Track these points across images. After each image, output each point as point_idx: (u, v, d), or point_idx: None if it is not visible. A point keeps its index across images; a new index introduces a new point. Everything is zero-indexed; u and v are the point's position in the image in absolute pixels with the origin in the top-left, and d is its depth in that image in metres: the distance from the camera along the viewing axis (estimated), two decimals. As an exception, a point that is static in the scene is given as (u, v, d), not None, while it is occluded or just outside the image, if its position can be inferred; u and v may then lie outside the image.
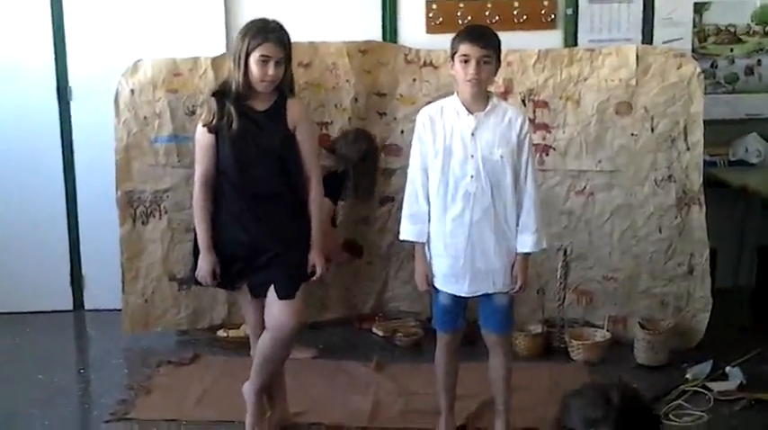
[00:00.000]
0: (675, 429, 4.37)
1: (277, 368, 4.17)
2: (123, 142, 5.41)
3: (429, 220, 3.93)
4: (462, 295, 3.96)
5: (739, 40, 6.01)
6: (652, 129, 5.29)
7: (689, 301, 5.30)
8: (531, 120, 5.24)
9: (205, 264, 4.01)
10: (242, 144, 3.91)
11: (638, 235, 5.36)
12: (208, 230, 4.00)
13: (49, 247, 6.04)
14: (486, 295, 3.96)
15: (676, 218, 5.28)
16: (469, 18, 5.77)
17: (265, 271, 3.96)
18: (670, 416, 4.43)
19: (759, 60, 6.03)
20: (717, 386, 4.70)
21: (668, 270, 5.32)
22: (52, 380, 5.05)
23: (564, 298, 5.36)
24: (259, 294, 4.03)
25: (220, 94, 3.97)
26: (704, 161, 5.31)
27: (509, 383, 4.12)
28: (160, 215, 5.50)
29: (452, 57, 3.87)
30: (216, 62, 5.36)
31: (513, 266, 3.93)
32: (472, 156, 3.83)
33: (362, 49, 5.58)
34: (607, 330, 5.30)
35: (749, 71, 6.04)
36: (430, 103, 4.14)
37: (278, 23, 3.95)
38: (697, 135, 5.23)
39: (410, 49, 5.63)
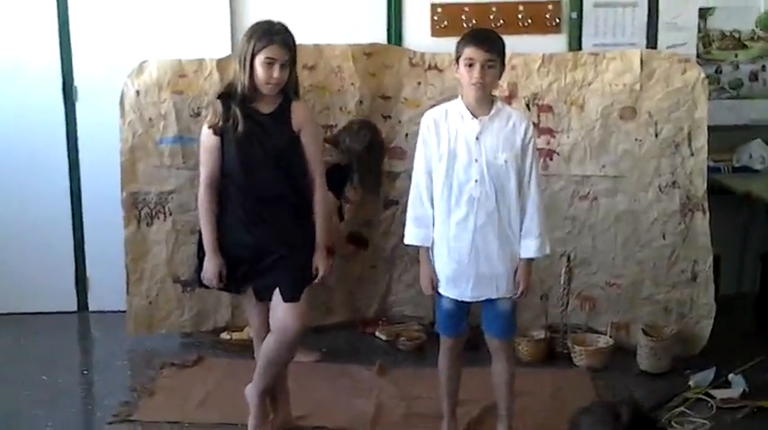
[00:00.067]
0: (678, 436, 4.39)
1: (281, 371, 4.18)
2: (128, 143, 5.42)
3: (433, 224, 3.93)
4: (465, 300, 3.96)
5: (744, 46, 6.01)
6: (656, 135, 5.29)
7: (692, 308, 5.30)
8: (536, 125, 5.24)
9: (211, 267, 4.01)
10: (247, 146, 3.91)
11: (641, 241, 5.36)
12: (213, 232, 4.00)
13: (53, 248, 6.04)
14: (490, 300, 3.95)
15: (680, 224, 5.28)
16: (474, 22, 5.78)
17: (270, 274, 3.97)
18: (672, 423, 4.43)
19: (764, 66, 6.03)
20: (719, 393, 4.69)
21: (672, 276, 5.32)
22: (56, 381, 5.05)
23: (567, 303, 5.36)
24: (264, 298, 4.04)
25: (226, 96, 3.97)
26: (708, 167, 5.31)
27: (512, 388, 4.12)
28: (165, 216, 5.50)
29: (457, 60, 3.87)
30: (221, 64, 5.36)
31: (516, 271, 3.94)
32: (476, 161, 3.83)
33: (367, 52, 5.59)
34: (610, 336, 5.30)
35: (753, 77, 6.04)
36: (434, 106, 4.13)
37: (283, 26, 3.96)
38: (701, 141, 5.23)
39: (415, 52, 5.64)
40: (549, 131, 5.41)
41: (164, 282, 5.55)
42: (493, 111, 3.87)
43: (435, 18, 5.85)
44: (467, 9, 5.83)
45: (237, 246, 3.99)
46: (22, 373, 5.17)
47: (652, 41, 5.91)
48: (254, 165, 3.92)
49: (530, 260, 3.94)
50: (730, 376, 4.85)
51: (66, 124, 5.96)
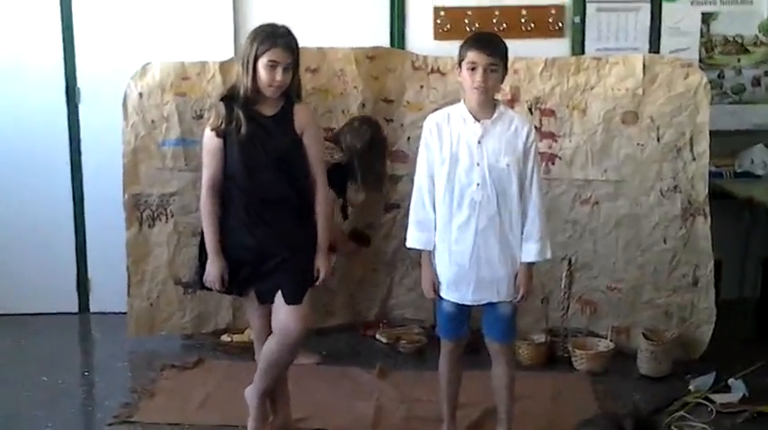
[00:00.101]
0: (677, 441, 4.39)
1: (281, 373, 4.18)
2: (131, 145, 5.42)
3: (435, 228, 3.94)
4: (466, 303, 3.96)
5: (746, 51, 6.02)
6: (658, 139, 5.29)
7: (693, 312, 5.30)
8: (538, 129, 5.25)
9: (214, 269, 4.01)
10: (250, 149, 3.91)
11: (642, 245, 5.36)
12: (216, 235, 4.00)
13: (55, 249, 6.06)
14: (490, 304, 3.95)
15: (681, 228, 5.28)
16: (477, 25, 5.79)
17: (272, 276, 3.97)
18: (672, 427, 4.43)
19: (766, 71, 6.04)
20: (719, 398, 4.69)
21: (672, 280, 5.32)
22: (56, 382, 5.06)
23: (568, 307, 5.36)
24: (266, 300, 4.04)
25: (229, 98, 3.97)
26: (710, 172, 5.31)
27: (512, 392, 4.11)
28: (167, 218, 5.51)
29: (460, 64, 3.87)
30: (224, 66, 5.38)
31: (517, 275, 3.94)
32: (478, 164, 3.83)
33: (370, 56, 5.60)
34: (610, 340, 5.29)
35: (756, 82, 6.04)
36: (437, 109, 4.13)
37: (286, 28, 3.96)
38: (703, 145, 5.23)
39: (418, 55, 5.65)
40: (551, 135, 5.42)
41: (165, 283, 5.55)
42: (495, 115, 3.87)
43: (438, 21, 5.86)
44: (470, 13, 5.84)
45: (240, 248, 3.99)
46: (22, 374, 5.17)
47: (655, 46, 5.91)
48: (256, 167, 3.92)
49: (530, 264, 3.93)
50: (730, 381, 4.85)
51: (69, 126, 5.97)
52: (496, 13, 5.83)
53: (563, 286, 5.35)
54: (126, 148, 5.43)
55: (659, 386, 4.96)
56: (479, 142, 3.84)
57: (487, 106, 3.88)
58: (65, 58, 5.91)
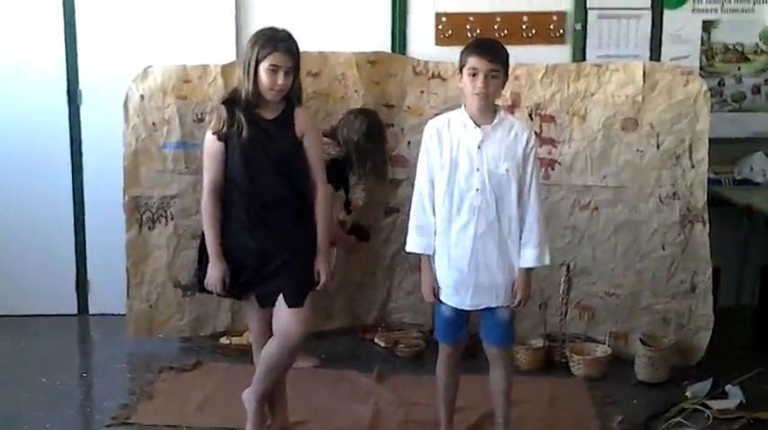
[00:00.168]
0: (674, 447, 4.40)
1: (280, 376, 4.18)
2: (132, 148, 5.44)
3: (435, 233, 3.95)
4: (465, 308, 3.97)
5: (747, 59, 6.03)
6: (657, 146, 5.30)
7: (691, 319, 5.31)
8: (538, 135, 5.27)
9: (215, 272, 4.01)
10: (252, 152, 3.92)
11: (641, 251, 5.37)
12: (217, 237, 4.00)
13: (54, 251, 6.07)
14: (489, 308, 3.96)
15: (680, 235, 5.29)
16: (478, 31, 5.81)
17: (273, 280, 3.97)
18: (669, 433, 4.46)
19: (766, 80, 6.05)
20: (716, 404, 4.70)
21: (671, 287, 5.33)
22: (55, 384, 5.07)
23: (566, 312, 5.37)
24: (266, 304, 4.04)
25: (230, 102, 3.98)
26: (709, 179, 5.32)
27: (509, 396, 4.12)
28: (166, 221, 5.52)
29: (461, 70, 3.88)
30: (225, 70, 5.39)
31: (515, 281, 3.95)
32: (478, 170, 3.84)
33: (371, 60, 5.61)
34: (608, 346, 5.31)
35: (756, 90, 6.06)
36: (437, 115, 4.15)
37: (287, 32, 3.97)
38: (702, 153, 5.24)
39: (419, 60, 5.66)
40: (551, 141, 5.43)
41: (164, 286, 5.56)
42: (495, 121, 3.89)
43: (440, 27, 5.88)
44: (471, 19, 5.85)
45: (241, 250, 4.00)
46: (21, 375, 5.18)
47: (656, 53, 5.93)
48: (257, 170, 3.93)
49: (529, 269, 3.94)
50: (727, 387, 4.86)
51: (70, 128, 5.99)
52: (498, 19, 5.85)
53: (561, 291, 5.36)
54: (127, 151, 5.44)
55: (656, 392, 4.97)
56: (479, 147, 3.85)
57: (488, 112, 3.89)
58: (67, 60, 5.92)
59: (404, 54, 5.86)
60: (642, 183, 5.34)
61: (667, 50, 5.94)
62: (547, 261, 3.96)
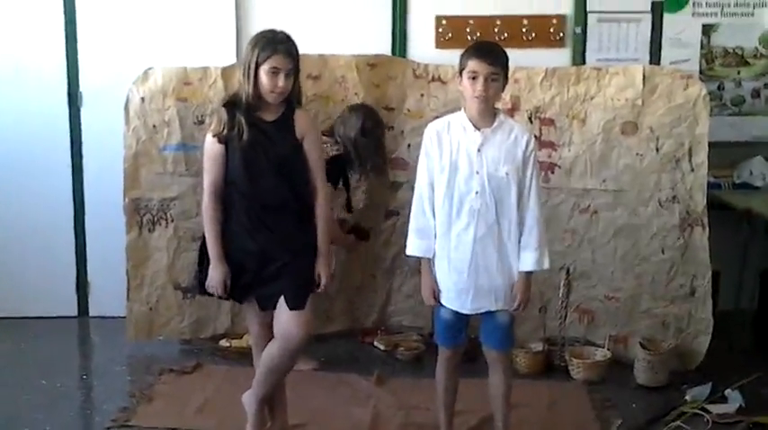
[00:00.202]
0: (673, 450, 4.40)
1: (280, 379, 4.18)
2: (132, 150, 5.44)
3: (435, 236, 3.95)
4: (465, 312, 3.97)
5: (746, 63, 6.04)
6: (657, 150, 5.31)
7: (690, 323, 5.31)
8: (537, 138, 5.27)
9: (216, 274, 4.01)
10: (253, 154, 3.92)
11: (640, 255, 5.38)
12: (218, 240, 4.01)
13: (55, 253, 6.08)
14: (488, 312, 3.96)
15: (679, 239, 5.29)
16: (479, 34, 5.81)
17: (274, 282, 3.97)
18: (668, 437, 4.46)
19: (766, 84, 6.05)
20: (715, 408, 4.71)
21: (670, 291, 5.33)
22: (55, 386, 5.07)
23: (565, 316, 5.37)
24: (267, 307, 4.04)
25: (230, 104, 3.98)
26: (709, 183, 5.32)
27: (508, 400, 4.12)
28: (166, 223, 5.52)
29: (461, 73, 3.88)
30: (226, 72, 5.40)
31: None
32: (477, 173, 3.85)
33: (371, 63, 5.62)
34: (608, 349, 5.31)
35: (756, 94, 6.06)
36: (437, 118, 4.15)
37: (286, 34, 3.97)
38: (701, 156, 5.25)
39: (419, 63, 5.67)
40: (551, 145, 5.44)
41: (164, 288, 5.56)
42: (495, 124, 3.89)
43: (440, 30, 5.88)
44: (471, 22, 5.86)
45: (242, 253, 4.00)
46: (21, 377, 5.19)
47: (655, 57, 5.93)
48: (258, 172, 3.93)
49: (528, 273, 3.94)
50: (727, 391, 4.86)
51: (71, 129, 6.00)
52: (498, 22, 5.85)
53: (561, 295, 5.36)
54: (127, 153, 5.44)
55: (656, 396, 4.97)
56: (479, 151, 3.86)
57: (488, 115, 3.89)
58: (67, 62, 5.94)
59: (404, 57, 5.86)
60: (642, 187, 5.35)
61: (667, 54, 5.95)
62: (546, 265, 3.96)
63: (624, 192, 5.38)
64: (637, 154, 5.34)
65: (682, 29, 5.94)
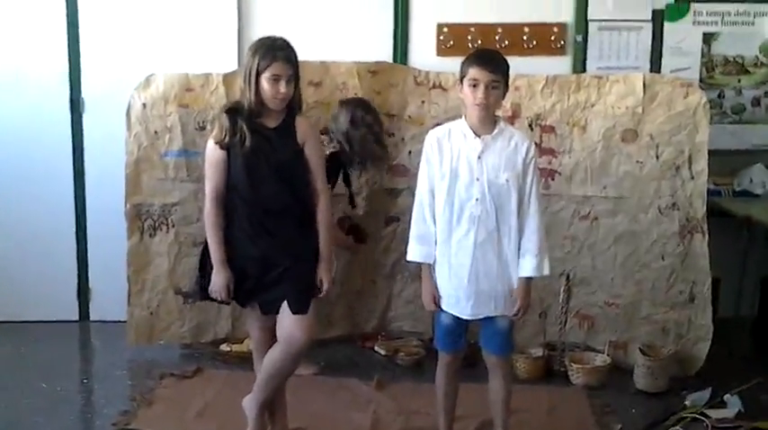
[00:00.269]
0: (673, 456, 4.41)
1: (281, 383, 4.19)
2: (134, 155, 5.45)
3: (436, 242, 3.96)
4: (465, 317, 3.98)
5: (747, 72, 6.06)
6: (657, 157, 5.32)
7: (690, 329, 5.32)
8: (538, 145, 5.29)
9: (220, 279, 4.03)
10: (254, 161, 3.94)
11: (640, 261, 5.39)
12: (221, 245, 4.02)
13: (56, 257, 6.08)
14: (488, 317, 3.98)
15: (679, 245, 5.31)
16: (480, 42, 5.83)
17: (277, 287, 3.99)
18: (667, 442, 4.47)
19: (766, 92, 6.07)
20: (715, 414, 4.71)
21: (670, 297, 5.34)
22: (56, 390, 5.08)
23: (565, 322, 5.38)
24: (269, 311, 4.05)
25: (232, 111, 4.00)
26: (709, 190, 5.34)
27: (508, 405, 4.14)
28: (168, 228, 5.53)
29: (461, 80, 3.90)
30: (227, 79, 5.41)
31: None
32: (478, 180, 3.86)
33: (373, 70, 5.63)
34: (607, 355, 5.32)
35: (756, 102, 6.08)
36: (438, 125, 4.18)
37: (285, 41, 3.98)
38: (701, 164, 5.26)
39: (420, 71, 5.68)
40: (551, 152, 5.45)
41: (165, 293, 5.57)
42: (496, 131, 3.90)
43: (441, 38, 5.90)
44: (472, 29, 5.88)
45: (244, 258, 4.01)
46: (22, 381, 5.19)
47: (656, 65, 5.95)
48: (259, 178, 3.94)
49: (528, 279, 3.95)
50: (726, 396, 4.87)
51: (73, 135, 6.01)
52: (499, 30, 5.87)
53: (561, 301, 5.37)
54: (129, 158, 5.45)
55: (655, 401, 4.98)
56: (479, 158, 3.87)
57: (488, 122, 3.91)
58: (70, 68, 5.95)
59: (405, 64, 5.88)
60: (642, 194, 5.36)
61: (668, 62, 5.96)
62: (546, 271, 3.96)
63: (624, 199, 5.39)
64: (637, 161, 5.35)
65: (682, 37, 5.96)
